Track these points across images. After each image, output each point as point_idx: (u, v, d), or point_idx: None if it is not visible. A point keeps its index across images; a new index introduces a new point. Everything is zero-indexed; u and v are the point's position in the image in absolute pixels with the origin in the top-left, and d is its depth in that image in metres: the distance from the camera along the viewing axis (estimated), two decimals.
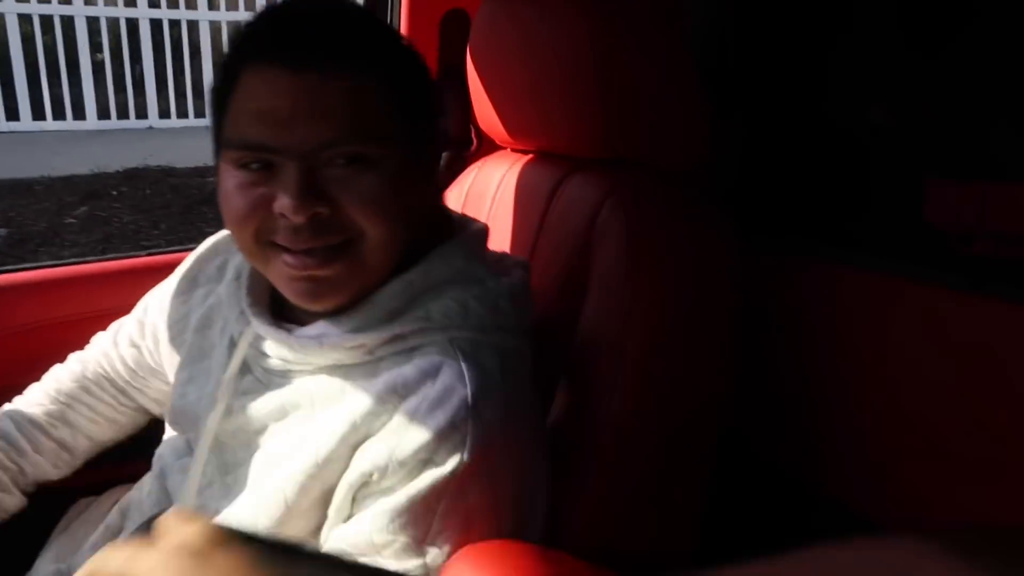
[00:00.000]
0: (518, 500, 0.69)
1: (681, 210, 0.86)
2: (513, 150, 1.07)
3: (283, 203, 0.65)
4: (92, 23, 6.58)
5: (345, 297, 0.70)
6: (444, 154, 1.30)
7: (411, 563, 0.63)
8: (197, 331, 0.85)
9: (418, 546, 0.64)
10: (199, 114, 6.99)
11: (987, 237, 0.78)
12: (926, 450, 0.84)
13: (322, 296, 0.70)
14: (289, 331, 0.73)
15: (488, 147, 1.23)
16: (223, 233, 0.91)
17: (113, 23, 6.74)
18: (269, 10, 0.70)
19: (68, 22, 6.44)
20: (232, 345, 0.78)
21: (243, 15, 6.94)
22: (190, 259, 0.93)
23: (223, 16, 6.87)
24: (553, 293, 0.90)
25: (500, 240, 1.00)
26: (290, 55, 0.65)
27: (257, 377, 0.76)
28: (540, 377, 0.85)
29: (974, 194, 0.78)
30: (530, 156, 1.02)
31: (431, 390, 0.66)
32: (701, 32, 1.08)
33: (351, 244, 0.68)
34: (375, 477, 0.65)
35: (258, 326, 0.75)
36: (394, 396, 0.67)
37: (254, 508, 0.70)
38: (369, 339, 0.70)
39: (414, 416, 0.65)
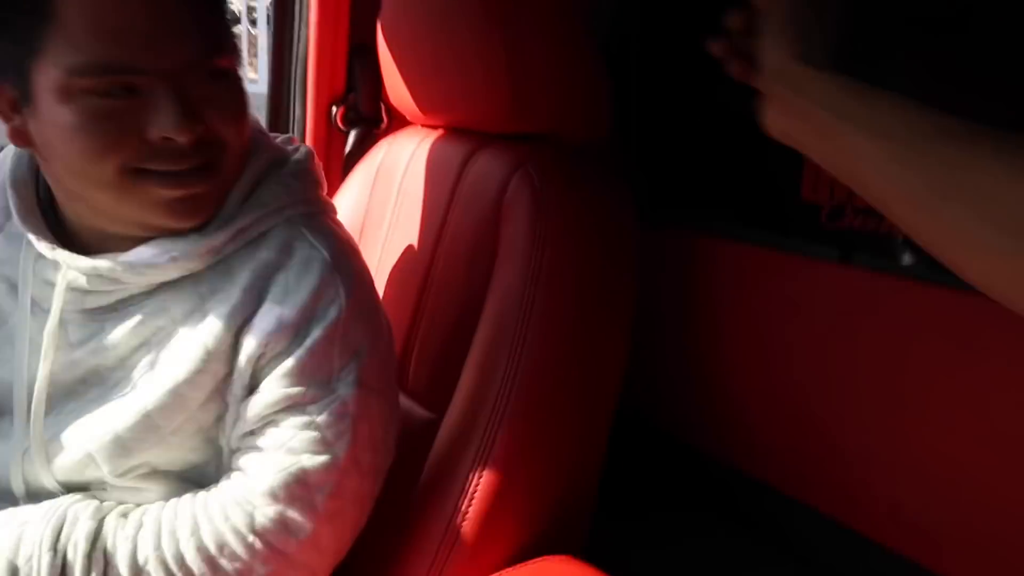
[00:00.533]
0: (390, 338, 0.80)
1: (585, 183, 0.91)
2: (423, 126, 1.09)
3: (165, 127, 0.64)
4: None
5: (213, 209, 0.72)
6: (354, 131, 1.31)
7: (326, 401, 0.72)
8: None
9: (327, 385, 0.72)
10: None
11: (855, 212, 0.86)
12: (790, 408, 0.92)
13: (199, 212, 0.71)
14: (117, 261, 0.71)
15: (398, 124, 1.25)
16: None
17: None
18: None
19: None
20: (36, 302, 0.75)
21: None
22: None
23: None
24: (464, 262, 0.93)
25: (411, 213, 1.02)
26: None
27: (83, 322, 0.74)
28: (455, 340, 0.89)
29: None
30: (440, 132, 1.05)
31: (293, 262, 0.73)
32: (602, 11, 1.13)
33: (217, 156, 0.70)
34: (270, 345, 0.71)
35: (79, 263, 0.71)
36: (260, 279, 0.73)
37: (139, 414, 0.71)
38: (218, 240, 0.72)
39: (287, 288, 0.72)
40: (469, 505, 0.78)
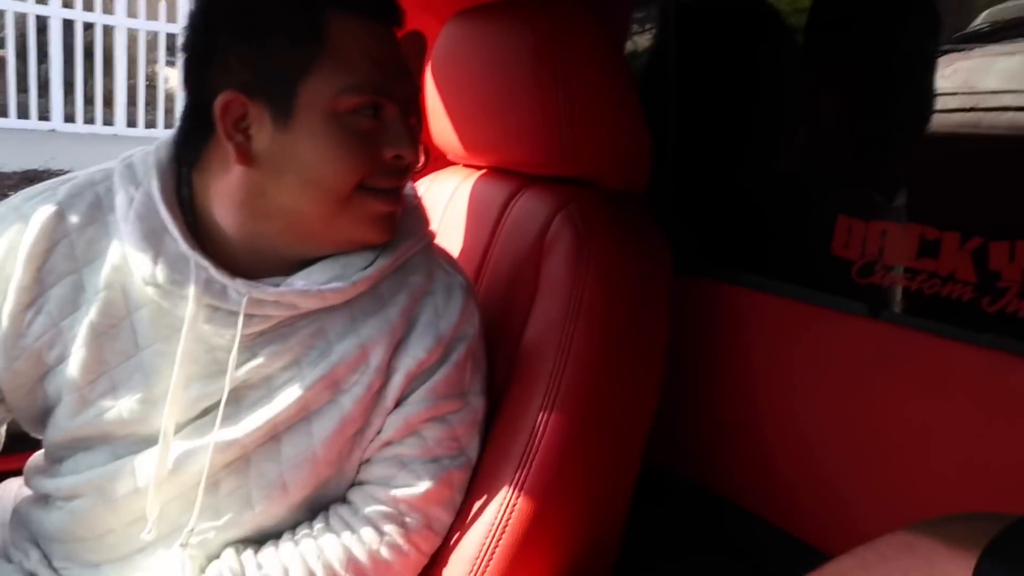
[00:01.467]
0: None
1: (624, 228, 0.94)
2: (465, 165, 1.13)
3: (400, 146, 0.73)
4: None
5: (396, 228, 0.80)
6: None
7: (463, 411, 0.82)
8: (96, 337, 0.75)
9: (463, 397, 0.82)
10: (107, 122, 6.74)
11: (885, 269, 0.89)
12: (815, 458, 0.94)
13: (391, 229, 0.79)
14: (299, 287, 0.75)
15: (435, 164, 1.29)
16: (39, 214, 0.75)
17: (20, 19, 6.46)
18: None
19: None
20: (198, 328, 0.74)
21: (163, 25, 6.79)
22: (13, 259, 0.74)
23: (142, 25, 6.69)
24: (503, 299, 0.96)
25: (452, 248, 1.05)
26: (381, 7, 0.73)
27: (239, 347, 0.74)
28: (492, 374, 0.91)
29: (877, 232, 0.89)
30: (483, 171, 1.09)
31: (437, 287, 0.83)
32: (643, 68, 1.18)
33: (406, 182, 0.80)
34: (424, 362, 0.79)
35: (264, 292, 0.73)
36: (412, 302, 0.81)
37: (315, 448, 0.77)
38: (385, 263, 0.79)
39: (437, 310, 0.81)
40: (502, 533, 0.79)
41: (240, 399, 0.76)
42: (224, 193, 0.75)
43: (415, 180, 1.23)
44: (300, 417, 0.77)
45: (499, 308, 0.95)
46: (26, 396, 0.77)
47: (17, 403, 0.78)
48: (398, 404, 0.80)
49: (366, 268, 0.78)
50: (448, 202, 1.09)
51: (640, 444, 0.91)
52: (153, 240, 0.73)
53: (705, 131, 1.11)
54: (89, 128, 6.66)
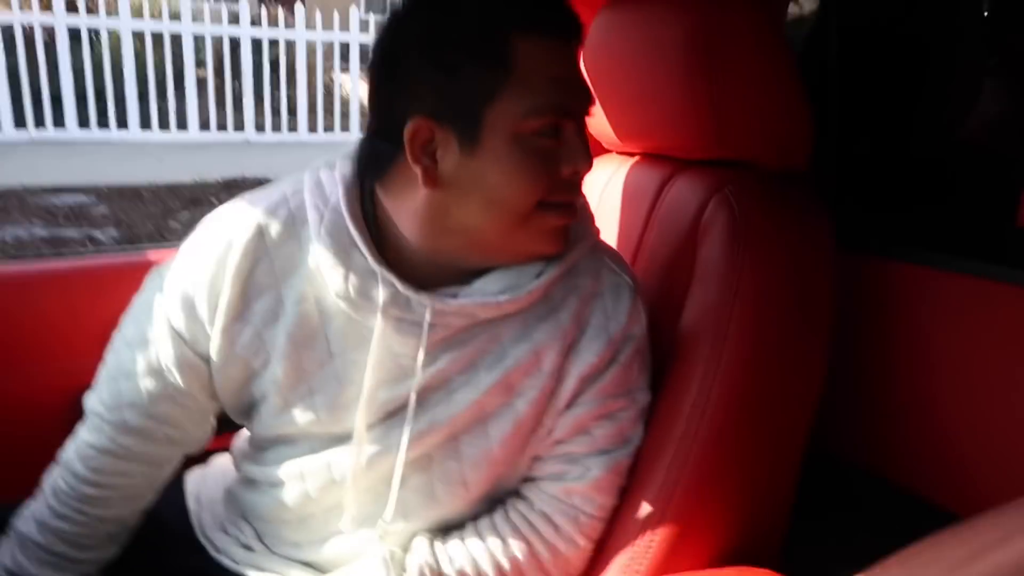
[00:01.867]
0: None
1: (783, 208, 0.92)
2: (619, 153, 1.15)
3: (577, 162, 0.75)
4: (198, 40, 7.00)
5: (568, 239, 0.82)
6: None
7: (631, 409, 0.84)
8: (295, 347, 0.80)
9: (631, 394, 0.85)
10: (292, 129, 7.32)
11: None
12: (1007, 445, 0.87)
13: (565, 240, 0.81)
14: (478, 300, 0.78)
15: (593, 151, 1.31)
16: (242, 230, 0.81)
17: (217, 41, 7.15)
18: None
19: (176, 39, 6.86)
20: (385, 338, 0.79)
21: (338, 35, 7.26)
22: (222, 276, 0.80)
23: (319, 36, 7.19)
24: (659, 285, 0.97)
25: (607, 236, 1.07)
26: (562, 25, 0.73)
27: (427, 350, 0.79)
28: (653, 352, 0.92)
29: None
30: (636, 158, 1.10)
31: (605, 289, 0.84)
32: (804, 41, 1.13)
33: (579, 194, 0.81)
34: (595, 364, 0.81)
35: (447, 304, 0.77)
36: (582, 305, 0.83)
37: (499, 447, 0.82)
38: (556, 272, 0.81)
39: (607, 312, 0.83)
40: (667, 504, 0.81)
41: (423, 401, 0.81)
42: (409, 211, 0.77)
43: None
44: (477, 419, 0.81)
45: (655, 294, 0.96)
46: (235, 395, 0.86)
47: (227, 400, 0.87)
48: (569, 405, 0.82)
49: (539, 277, 0.80)
50: (604, 190, 1.11)
51: (804, 430, 0.88)
52: (343, 256, 0.77)
53: (871, 100, 1.06)
54: (277, 136, 7.26)
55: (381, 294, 0.77)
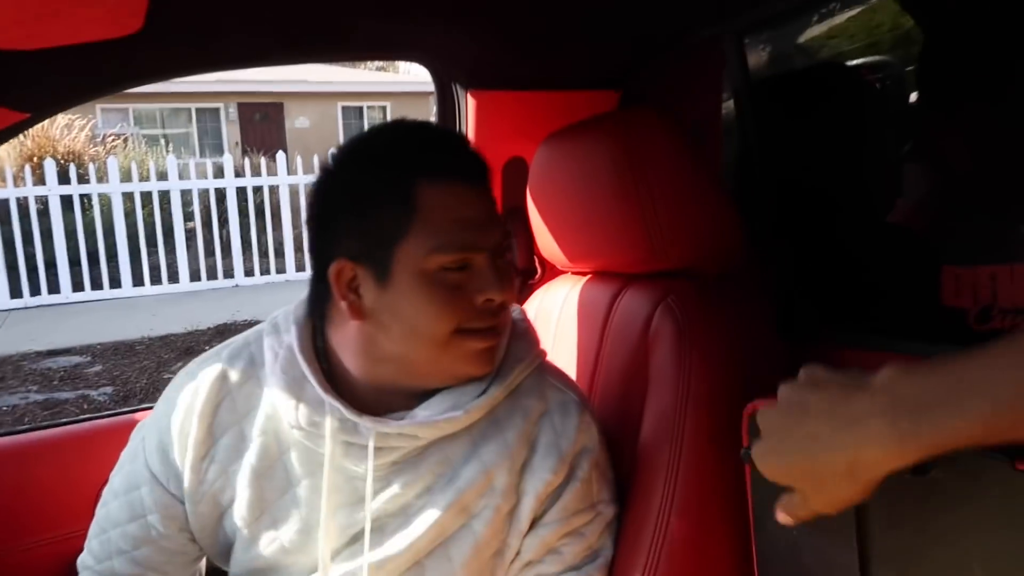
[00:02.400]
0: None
1: (726, 307, 0.97)
2: (573, 273, 1.22)
3: (490, 291, 0.80)
4: (185, 195, 7.27)
5: (498, 359, 0.87)
6: None
7: (595, 522, 0.86)
8: (257, 478, 0.86)
9: (594, 508, 0.87)
10: (280, 270, 7.49)
11: (1003, 313, 0.87)
12: None
13: (492, 361, 0.86)
14: (418, 419, 0.83)
15: (550, 273, 1.38)
16: (207, 376, 0.89)
17: (203, 194, 7.43)
18: (420, 135, 0.83)
19: (164, 196, 7.13)
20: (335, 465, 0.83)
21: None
22: (190, 419, 0.88)
23: (301, 179, 7.49)
24: (619, 395, 1.01)
25: (567, 352, 1.12)
26: (465, 171, 0.81)
27: (375, 477, 0.84)
28: (618, 460, 0.95)
29: (984, 276, 0.88)
30: (588, 276, 1.17)
31: (551, 406, 0.88)
32: (731, 156, 1.23)
33: (504, 316, 0.86)
34: (551, 481, 0.85)
35: (387, 426, 0.82)
36: (529, 424, 0.86)
37: (440, 551, 0.84)
38: (497, 392, 0.85)
39: (556, 430, 0.86)
40: None
41: (384, 527, 0.84)
42: (346, 343, 0.85)
43: (532, 291, 1.33)
44: (438, 542, 0.84)
45: (616, 404, 1.00)
46: (211, 536, 0.90)
47: (205, 542, 0.91)
48: (533, 526, 0.85)
49: (479, 397, 0.84)
50: (561, 309, 1.17)
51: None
52: (295, 388, 0.85)
53: (796, 201, 1.14)
54: (266, 278, 7.42)
55: (329, 421, 0.83)
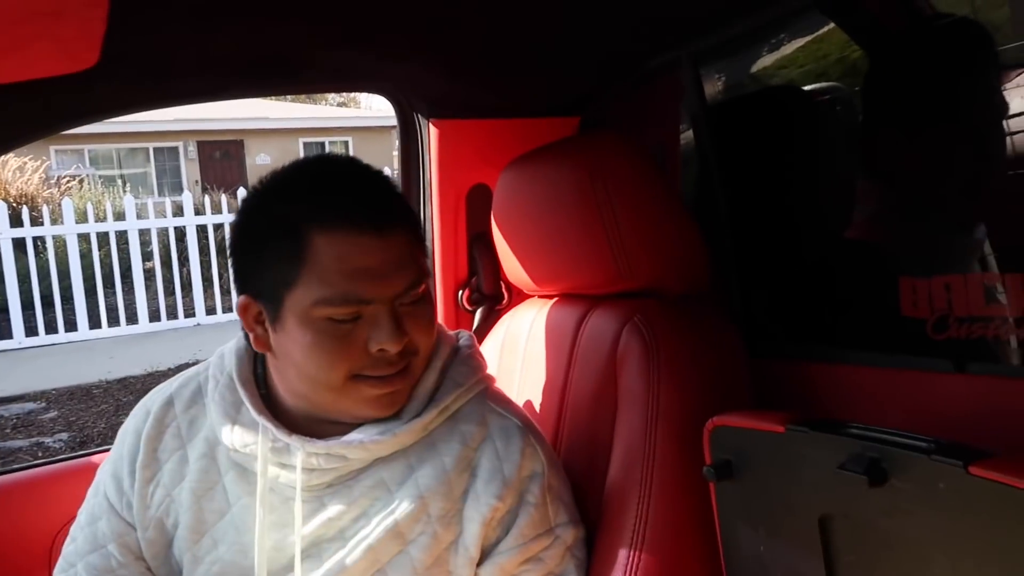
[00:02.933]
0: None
1: (692, 326, 0.98)
2: (540, 296, 1.22)
3: (383, 341, 0.79)
4: (144, 234, 7.16)
5: (404, 402, 0.86)
6: (479, 309, 1.45)
7: (553, 547, 0.85)
8: (197, 500, 0.88)
9: (552, 532, 0.85)
10: None
11: (959, 322, 0.89)
12: None
13: (395, 404, 0.85)
14: (345, 440, 0.83)
15: (517, 298, 1.39)
16: (155, 402, 0.94)
17: (163, 232, 7.32)
18: (318, 178, 0.82)
19: (121, 236, 7.01)
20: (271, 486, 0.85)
21: None
22: (137, 443, 0.92)
23: None
24: (590, 417, 1.01)
25: (537, 375, 1.12)
26: (363, 219, 0.78)
27: (305, 500, 0.84)
28: (587, 490, 0.95)
29: (939, 286, 0.90)
30: (555, 299, 1.17)
31: (492, 432, 0.87)
32: (691, 174, 1.25)
33: (412, 361, 0.85)
34: (498, 508, 0.84)
35: (316, 446, 0.83)
36: (468, 450, 0.86)
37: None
38: (429, 417, 0.86)
39: (498, 455, 0.86)
40: None
41: (321, 552, 0.85)
42: (272, 373, 0.89)
43: (500, 317, 1.33)
44: (375, 568, 0.83)
45: (586, 426, 1.00)
46: (164, 563, 0.91)
47: (160, 571, 0.92)
48: (487, 554, 0.84)
49: (411, 420, 0.85)
50: (528, 332, 1.17)
51: None
52: (232, 412, 0.88)
53: (756, 221, 1.16)
54: (228, 316, 7.30)
55: (261, 442, 0.85)
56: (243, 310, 0.84)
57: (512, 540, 0.84)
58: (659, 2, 1.07)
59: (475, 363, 0.93)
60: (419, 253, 0.85)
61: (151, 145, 13.36)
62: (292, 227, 0.78)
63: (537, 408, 1.10)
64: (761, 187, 1.22)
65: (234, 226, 0.87)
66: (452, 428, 0.87)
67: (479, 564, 0.85)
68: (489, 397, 0.92)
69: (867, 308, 1.01)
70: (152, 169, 13.62)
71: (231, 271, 0.88)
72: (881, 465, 0.65)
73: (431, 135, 1.36)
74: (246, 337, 0.89)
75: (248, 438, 0.86)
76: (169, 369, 5.59)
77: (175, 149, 13.57)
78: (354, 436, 0.84)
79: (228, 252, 0.89)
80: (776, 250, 1.15)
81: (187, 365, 5.56)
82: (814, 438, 0.73)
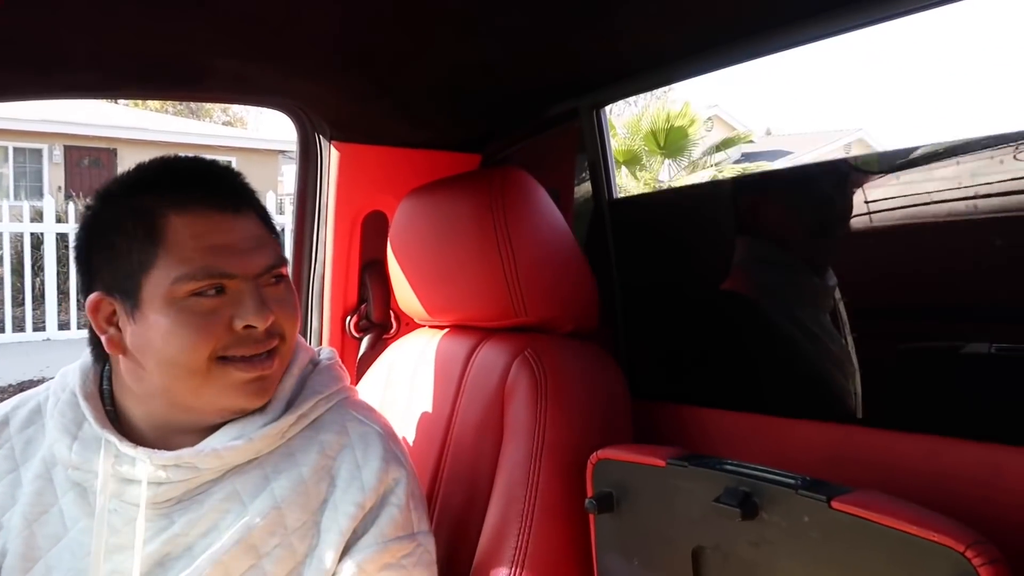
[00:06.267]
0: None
1: (579, 364, 1.01)
2: (431, 327, 1.22)
3: (248, 317, 0.78)
4: None
5: (274, 390, 0.84)
6: (366, 337, 1.43)
7: (415, 552, 0.83)
8: (28, 525, 0.83)
9: (413, 538, 0.84)
10: None
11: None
12: None
13: (265, 392, 0.82)
14: (196, 448, 0.80)
15: (405, 328, 1.38)
16: None
17: (16, 238, 6.78)
18: (168, 168, 0.83)
19: None
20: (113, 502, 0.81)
21: None
22: None
23: None
24: (473, 446, 1.01)
25: (423, 406, 1.12)
26: (216, 198, 0.80)
27: (152, 517, 0.80)
28: (466, 524, 0.95)
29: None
30: (446, 330, 1.18)
31: (352, 440, 0.86)
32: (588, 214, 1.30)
33: (278, 345, 0.83)
34: (359, 516, 0.82)
35: (162, 456, 0.79)
36: (326, 459, 0.84)
37: None
38: (286, 423, 0.83)
39: (357, 462, 0.84)
40: None
41: (167, 571, 0.80)
42: (119, 382, 0.85)
43: (387, 345, 1.32)
44: None
45: (470, 456, 1.01)
46: None
47: None
48: (347, 551, 0.82)
49: (267, 425, 0.83)
50: (417, 362, 1.17)
51: None
52: (72, 428, 0.84)
53: (641, 270, 1.22)
54: (83, 333, 6.81)
55: (103, 456, 0.81)
56: (94, 309, 0.81)
57: (371, 538, 0.82)
58: (556, 60, 1.13)
59: (335, 374, 0.92)
60: (276, 236, 0.86)
61: (11, 144, 12.40)
62: (146, 212, 0.79)
63: (422, 436, 1.10)
64: (647, 238, 1.28)
65: (81, 227, 0.84)
66: (311, 438, 0.86)
67: (340, 560, 0.81)
68: (350, 405, 0.91)
69: (735, 356, 1.07)
70: (10, 170, 12.63)
71: (77, 275, 0.85)
72: (753, 499, 0.70)
73: (331, 157, 1.35)
74: (93, 352, 0.87)
75: (88, 453, 0.82)
76: (9, 386, 5.14)
77: (38, 151, 12.66)
78: (205, 444, 0.81)
79: (73, 255, 0.85)
80: (657, 297, 1.20)
81: (30, 383, 5.13)
82: (692, 472, 0.76)
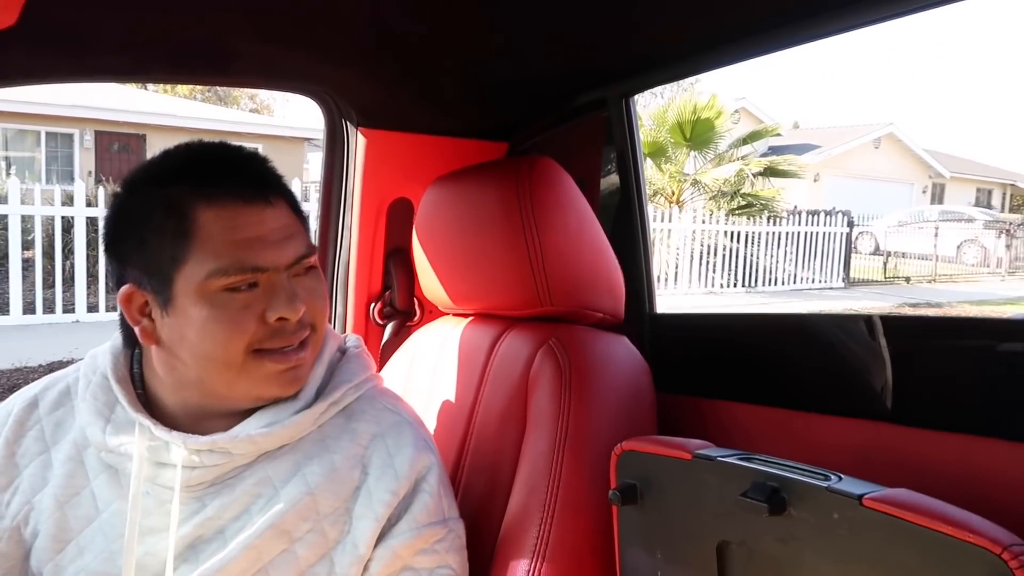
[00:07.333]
0: None
1: (604, 356, 1.00)
2: (454, 315, 1.22)
3: (281, 309, 0.78)
4: (26, 221, 6.71)
5: (306, 378, 0.84)
6: (390, 324, 1.44)
7: (448, 537, 0.85)
8: (60, 507, 0.84)
9: (445, 524, 0.85)
10: None
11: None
12: None
13: (298, 380, 0.83)
14: (231, 433, 0.80)
15: (429, 315, 1.38)
16: (16, 404, 0.89)
17: (48, 221, 6.88)
18: (195, 158, 0.82)
19: (0, 220, 6.55)
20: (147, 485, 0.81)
21: None
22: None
23: None
24: (496, 436, 1.01)
25: (446, 393, 1.11)
26: (247, 190, 0.79)
27: (185, 500, 0.81)
28: (488, 513, 0.95)
29: None
30: (470, 319, 1.17)
31: (384, 428, 0.87)
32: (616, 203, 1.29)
33: (309, 335, 0.83)
34: (394, 502, 0.83)
35: (197, 441, 0.80)
36: (358, 447, 0.85)
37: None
38: (319, 410, 0.84)
39: (390, 450, 0.85)
40: None
41: (199, 553, 0.80)
42: (151, 369, 0.85)
43: (410, 333, 1.32)
44: (256, 567, 0.80)
45: (492, 446, 1.00)
46: None
47: None
48: (382, 537, 0.83)
49: (300, 412, 0.83)
50: (440, 350, 1.17)
51: None
52: (105, 411, 0.84)
53: None
54: (112, 315, 6.91)
55: (137, 440, 0.81)
56: (126, 301, 0.81)
57: (405, 524, 0.83)
58: (585, 49, 1.11)
59: (364, 362, 0.92)
60: (306, 226, 0.86)
61: (44, 128, 12.58)
62: (175, 205, 0.78)
63: (444, 425, 1.10)
64: None
65: (109, 217, 0.83)
66: (342, 426, 0.86)
67: (375, 547, 0.82)
68: (378, 394, 0.92)
69: (762, 350, 1.06)
70: (42, 154, 12.82)
71: (107, 265, 0.84)
72: (781, 494, 0.68)
73: (358, 144, 1.35)
74: (124, 336, 0.87)
75: (123, 437, 0.82)
76: (40, 366, 5.23)
77: (70, 136, 12.83)
78: (239, 430, 0.81)
79: (103, 246, 0.84)
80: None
81: (60, 364, 5.22)
82: (719, 466, 0.75)
